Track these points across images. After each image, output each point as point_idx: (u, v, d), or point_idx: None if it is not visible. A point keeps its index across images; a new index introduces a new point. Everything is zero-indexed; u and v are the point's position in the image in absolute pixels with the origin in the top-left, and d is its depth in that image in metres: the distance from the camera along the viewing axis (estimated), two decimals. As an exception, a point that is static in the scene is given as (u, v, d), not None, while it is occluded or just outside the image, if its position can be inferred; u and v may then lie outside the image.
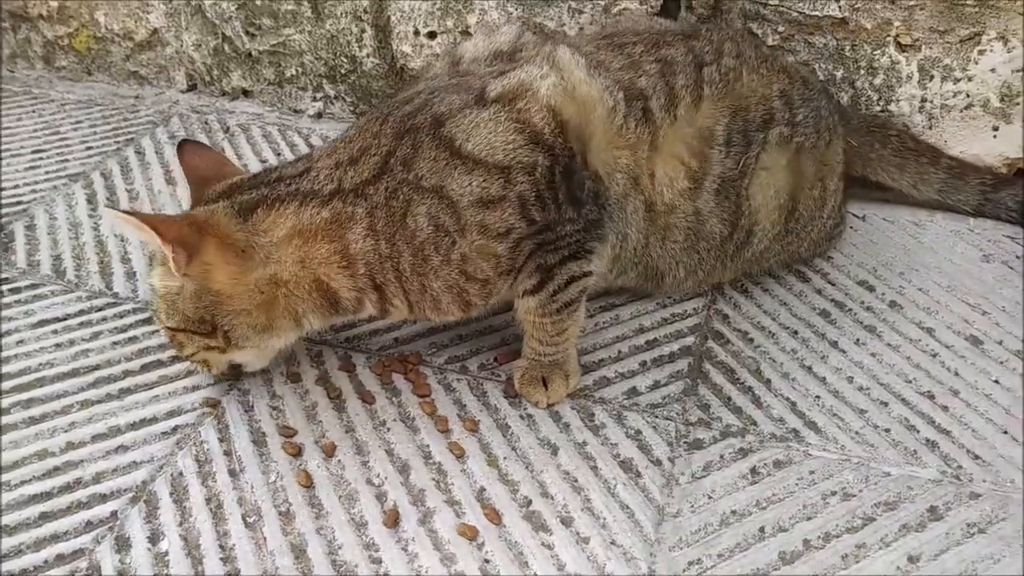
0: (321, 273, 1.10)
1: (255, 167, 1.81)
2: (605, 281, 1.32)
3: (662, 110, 1.21)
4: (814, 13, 1.60)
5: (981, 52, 1.55)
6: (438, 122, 1.11)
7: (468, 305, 1.15)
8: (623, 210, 1.20)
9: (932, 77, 1.60)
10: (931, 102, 1.62)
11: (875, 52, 1.60)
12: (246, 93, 2.08)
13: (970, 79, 1.58)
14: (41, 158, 1.85)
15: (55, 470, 1.14)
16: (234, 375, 1.25)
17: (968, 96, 1.59)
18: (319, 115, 2.01)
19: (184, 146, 1.25)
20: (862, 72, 1.63)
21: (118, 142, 1.91)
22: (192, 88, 2.12)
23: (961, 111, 1.61)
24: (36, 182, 1.76)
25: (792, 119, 1.31)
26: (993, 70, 1.56)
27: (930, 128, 1.64)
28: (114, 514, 1.08)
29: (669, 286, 1.37)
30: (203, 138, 1.91)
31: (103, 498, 1.10)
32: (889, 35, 1.58)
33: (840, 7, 1.58)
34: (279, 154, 1.86)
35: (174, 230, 1.06)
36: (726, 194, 1.27)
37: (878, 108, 1.65)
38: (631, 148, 1.18)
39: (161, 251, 1.07)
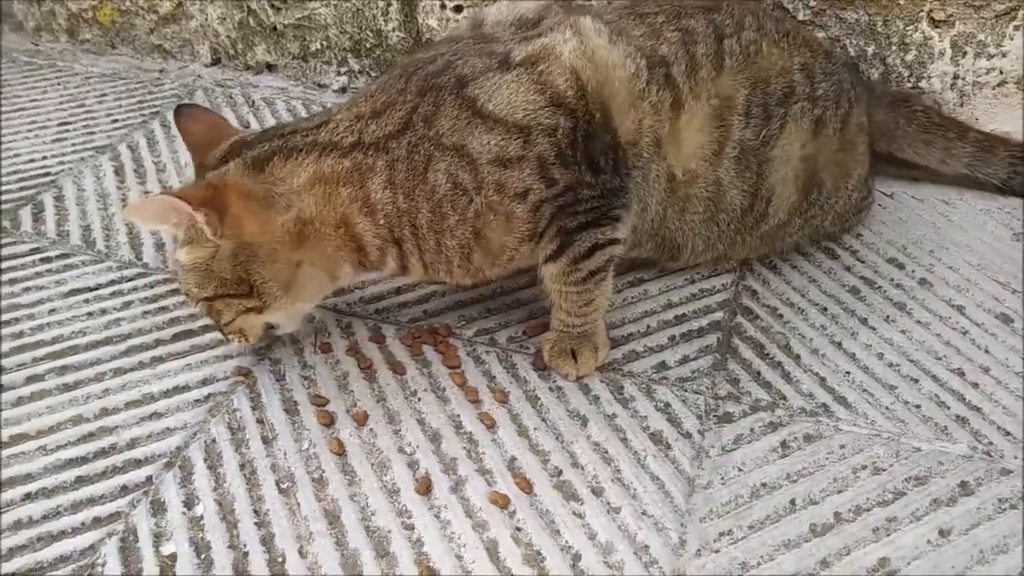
0: (345, 212, 1.11)
1: (280, 141, 1.81)
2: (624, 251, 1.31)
3: (683, 75, 1.20)
4: (846, -12, 1.58)
5: (1016, 28, 1.53)
6: (461, 83, 1.11)
7: (479, 269, 1.17)
8: (646, 178, 1.20)
9: (965, 53, 1.58)
10: (963, 79, 1.60)
11: (907, 28, 1.58)
12: (270, 67, 2.07)
13: (1004, 55, 1.56)
14: (67, 131, 1.86)
15: (90, 435, 1.15)
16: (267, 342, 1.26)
17: (1002, 73, 1.57)
18: (343, 89, 2.01)
19: (180, 112, 1.23)
20: (894, 48, 1.61)
21: (143, 115, 1.91)
22: (216, 62, 2.12)
23: (994, 88, 1.59)
24: (63, 154, 1.77)
25: (813, 93, 1.30)
26: (1028, 46, 1.54)
27: (961, 105, 1.62)
28: (149, 479, 1.09)
29: (686, 259, 1.36)
30: (228, 112, 1.91)
31: (138, 463, 1.11)
32: (922, 10, 1.56)
33: (873, -19, 1.56)
34: (304, 128, 1.86)
35: (200, 195, 1.07)
36: (746, 164, 1.26)
37: (909, 85, 1.63)
38: (654, 110, 1.18)
39: (187, 226, 1.08)
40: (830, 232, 1.46)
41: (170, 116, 1.89)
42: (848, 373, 1.24)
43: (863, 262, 1.45)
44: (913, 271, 1.42)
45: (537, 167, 1.10)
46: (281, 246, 1.11)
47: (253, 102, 1.96)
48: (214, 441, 1.14)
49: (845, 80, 1.36)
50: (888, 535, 1.02)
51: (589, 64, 1.13)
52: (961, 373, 1.23)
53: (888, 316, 1.34)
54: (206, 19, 2.06)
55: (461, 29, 1.28)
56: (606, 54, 1.15)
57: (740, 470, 1.10)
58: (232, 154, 1.14)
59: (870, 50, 1.62)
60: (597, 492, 1.07)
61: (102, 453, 1.13)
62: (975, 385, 1.21)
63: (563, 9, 1.30)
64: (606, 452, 1.12)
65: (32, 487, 1.08)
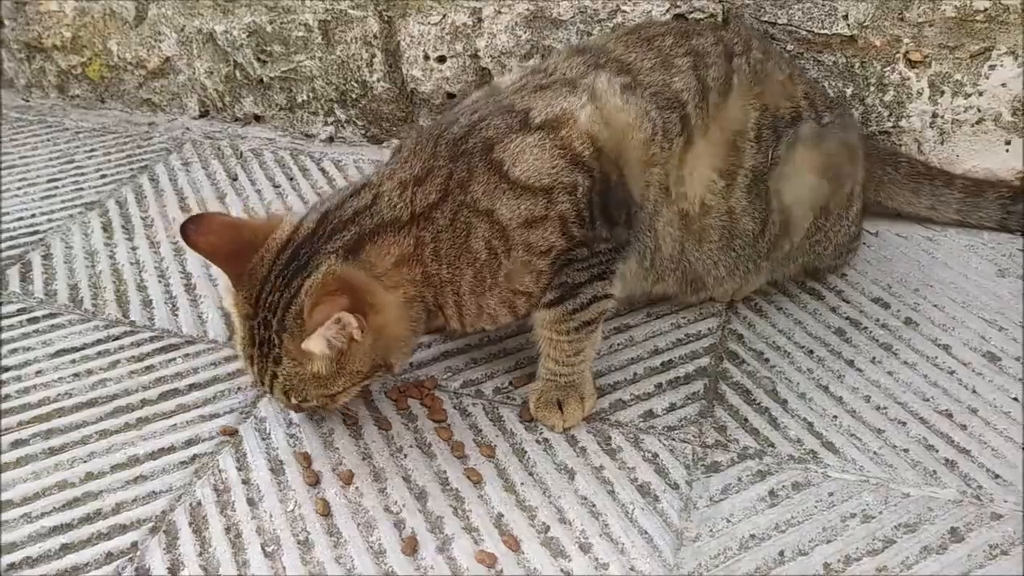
0: (417, 292, 1.12)
1: (268, 192, 1.82)
2: (643, 287, 1.34)
3: (697, 109, 1.23)
4: (823, 31, 1.60)
5: (992, 67, 1.55)
6: (488, 147, 1.13)
7: (496, 317, 1.18)
8: (652, 228, 1.23)
9: (943, 92, 1.60)
10: (942, 117, 1.62)
11: (885, 69, 1.61)
12: (258, 118, 2.10)
13: (981, 94, 1.58)
14: (56, 187, 1.87)
15: (75, 501, 1.15)
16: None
17: (979, 111, 1.59)
18: (331, 139, 2.03)
19: (187, 230, 1.10)
20: (872, 89, 1.63)
21: (132, 169, 1.93)
22: (204, 115, 2.14)
23: (972, 126, 1.61)
24: (52, 211, 1.78)
25: (819, 118, 1.33)
26: (1004, 85, 1.55)
27: (942, 143, 1.64)
28: (134, 545, 1.09)
29: (712, 287, 1.37)
30: (216, 164, 1.93)
31: (123, 529, 1.11)
32: (899, 52, 1.59)
33: (849, 25, 1.58)
34: (291, 179, 1.87)
35: (342, 303, 1.00)
36: (757, 191, 1.28)
37: (889, 124, 1.65)
38: (663, 164, 1.21)
39: (325, 338, 1.03)
40: (828, 265, 1.47)
41: (158, 170, 1.91)
42: (835, 417, 1.24)
43: (848, 302, 1.45)
44: (898, 310, 1.43)
45: (559, 225, 1.13)
46: (398, 325, 1.10)
47: (241, 153, 1.98)
48: (199, 504, 1.14)
49: (847, 113, 1.39)
50: (879, 585, 1.01)
51: (605, 128, 1.17)
52: (949, 415, 1.23)
53: (874, 357, 1.34)
54: (194, 73, 2.08)
55: (479, 96, 1.30)
56: (623, 116, 1.18)
57: (728, 521, 1.09)
58: (296, 252, 1.08)
59: (849, 91, 1.64)
60: (585, 548, 1.06)
61: (87, 519, 1.12)
62: (963, 427, 1.21)
63: (564, 50, 1.32)
64: (594, 506, 1.12)
65: (16, 556, 1.07)
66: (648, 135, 1.19)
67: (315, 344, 1.02)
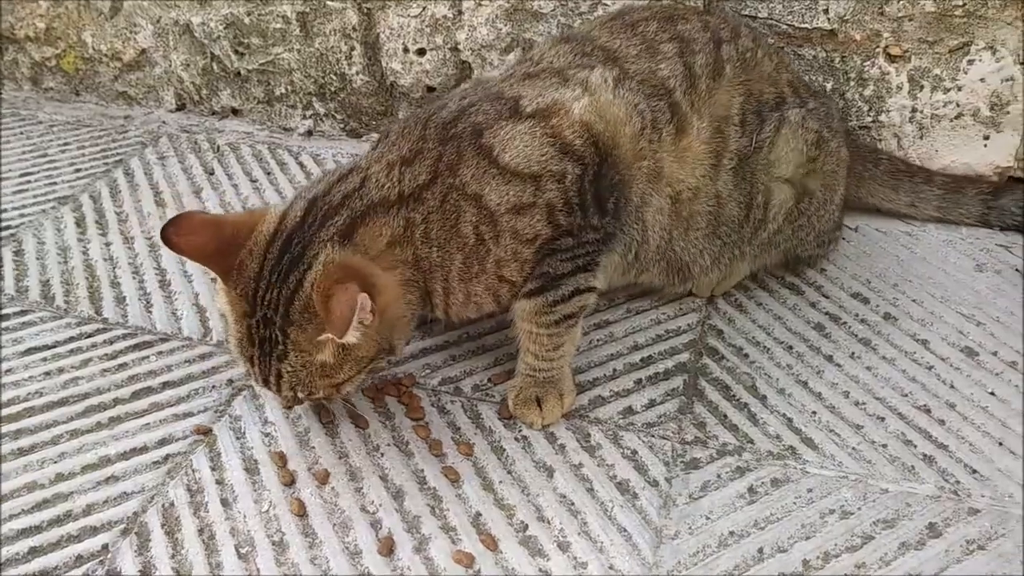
0: (411, 274, 1.11)
1: (245, 187, 1.80)
2: (625, 279, 1.34)
3: (686, 96, 1.23)
4: (803, 25, 1.59)
5: (970, 62, 1.55)
6: (477, 131, 1.13)
7: (481, 306, 1.17)
8: (640, 219, 1.23)
9: (922, 87, 1.59)
10: (921, 112, 1.62)
11: (865, 63, 1.60)
12: (235, 112, 2.07)
13: (960, 89, 1.58)
14: (29, 181, 1.84)
15: (45, 502, 1.12)
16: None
17: (958, 106, 1.59)
18: (309, 133, 2.01)
19: (168, 233, 1.06)
20: (852, 83, 1.62)
21: (107, 163, 1.90)
22: (181, 108, 2.11)
23: (951, 120, 1.61)
24: (24, 206, 1.75)
25: (804, 104, 1.34)
26: (983, 80, 1.56)
27: (921, 138, 1.64)
28: (105, 547, 1.07)
29: (697, 276, 1.37)
30: (192, 158, 1.90)
31: (94, 531, 1.09)
32: (878, 46, 1.58)
33: (829, 19, 1.58)
34: (269, 173, 1.85)
35: (355, 288, 0.98)
36: (742, 175, 1.28)
37: (869, 119, 1.64)
38: (653, 155, 1.21)
39: (351, 328, 0.98)
40: (810, 254, 1.46)
41: (133, 164, 1.88)
42: (814, 413, 1.23)
43: (828, 297, 1.45)
44: (877, 306, 1.43)
45: (546, 213, 1.13)
46: (399, 302, 1.09)
47: (218, 147, 1.95)
48: (172, 505, 1.12)
49: (832, 101, 1.39)
50: (857, 582, 1.01)
51: (600, 120, 1.16)
52: (927, 410, 1.23)
53: (853, 353, 1.34)
54: (170, 65, 2.05)
55: (467, 86, 1.29)
56: (615, 110, 1.18)
57: (708, 518, 1.09)
58: (287, 243, 1.06)
59: (829, 85, 1.63)
60: (563, 547, 1.06)
61: (56, 521, 1.10)
62: (941, 422, 1.21)
63: (549, 40, 1.32)
64: (572, 504, 1.11)
65: (-17, 560, 1.05)
66: (637, 129, 1.19)
67: (352, 335, 0.99)
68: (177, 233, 1.06)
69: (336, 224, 1.07)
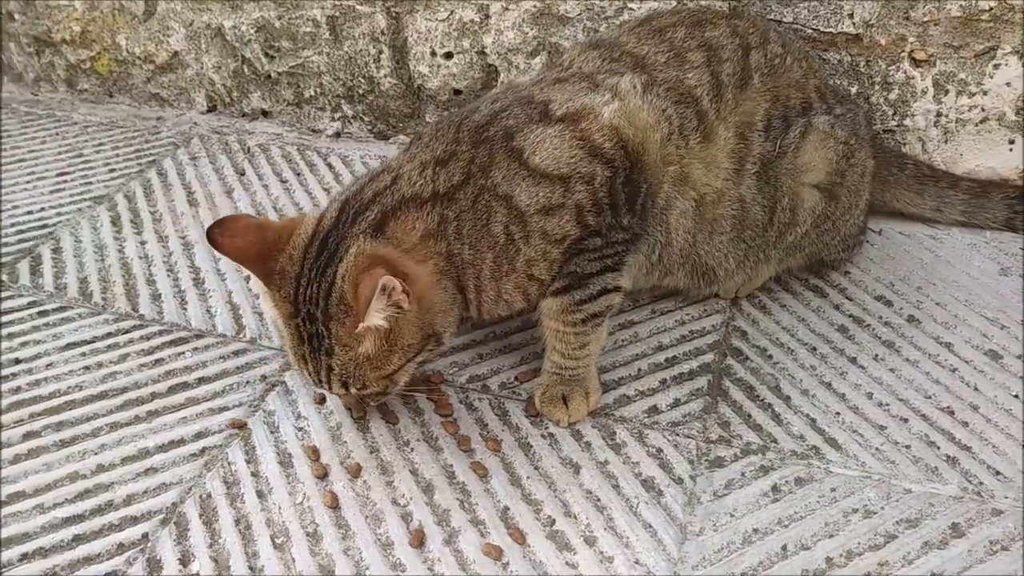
0: (446, 266, 1.13)
1: (275, 187, 1.84)
2: (649, 281, 1.36)
3: (711, 104, 1.25)
4: (828, 30, 1.61)
5: (996, 66, 1.55)
6: (508, 135, 1.16)
7: (511, 303, 1.20)
8: (664, 222, 1.25)
9: (947, 92, 1.60)
10: (946, 116, 1.62)
11: (890, 68, 1.61)
12: (265, 114, 2.11)
13: (985, 93, 1.58)
14: (65, 181, 1.88)
15: (86, 492, 1.16)
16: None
17: (984, 110, 1.60)
18: (337, 135, 2.04)
19: (214, 235, 1.10)
20: (877, 87, 1.63)
21: (140, 164, 1.94)
22: (212, 109, 2.15)
23: (977, 125, 1.61)
24: (61, 205, 1.80)
25: (831, 110, 1.35)
26: (1008, 84, 1.56)
27: (946, 142, 1.64)
28: (145, 536, 1.10)
29: (723, 279, 1.38)
30: (223, 159, 1.94)
31: (134, 520, 1.12)
32: (903, 51, 1.59)
33: (855, 24, 1.59)
34: (298, 174, 1.89)
35: (379, 272, 1.01)
36: (766, 179, 1.30)
37: (893, 123, 1.65)
38: (680, 159, 1.23)
39: (371, 312, 1.02)
40: (834, 258, 1.47)
41: (166, 164, 1.93)
42: (838, 414, 1.25)
43: (852, 300, 1.46)
44: (901, 308, 1.44)
45: (575, 213, 1.15)
46: (438, 291, 1.12)
47: (248, 148, 1.99)
48: (209, 496, 1.15)
49: (859, 107, 1.40)
50: (880, 580, 1.02)
51: (629, 125, 1.19)
52: (951, 412, 1.24)
53: (877, 355, 1.35)
54: (202, 68, 2.09)
55: (499, 90, 1.32)
56: (644, 115, 1.21)
57: (732, 516, 1.11)
58: (324, 243, 1.09)
59: (854, 89, 1.64)
60: (590, 542, 1.08)
61: (98, 511, 1.14)
62: (965, 424, 1.22)
63: (577, 46, 1.34)
64: (598, 500, 1.13)
65: (29, 547, 1.09)
66: (665, 135, 1.21)
67: (373, 319, 1.02)
68: (222, 234, 1.09)
69: (367, 219, 1.11)
